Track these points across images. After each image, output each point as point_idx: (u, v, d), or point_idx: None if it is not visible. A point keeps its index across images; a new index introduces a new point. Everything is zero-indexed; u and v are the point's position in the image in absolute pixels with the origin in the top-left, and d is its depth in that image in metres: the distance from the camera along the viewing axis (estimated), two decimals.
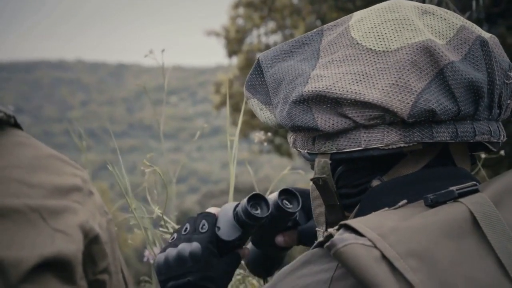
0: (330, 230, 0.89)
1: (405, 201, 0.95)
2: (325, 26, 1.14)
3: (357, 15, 1.11)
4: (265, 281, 1.46)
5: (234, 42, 14.54)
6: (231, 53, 14.79)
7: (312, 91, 1.01)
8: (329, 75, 1.02)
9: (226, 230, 1.28)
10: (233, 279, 1.93)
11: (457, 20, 1.07)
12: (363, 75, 1.00)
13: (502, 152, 2.05)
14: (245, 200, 1.28)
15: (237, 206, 1.30)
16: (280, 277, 0.95)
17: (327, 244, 0.86)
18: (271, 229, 1.34)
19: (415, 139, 0.98)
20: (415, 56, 0.98)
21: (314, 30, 1.15)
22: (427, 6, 1.09)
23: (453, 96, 0.98)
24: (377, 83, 0.98)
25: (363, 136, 0.99)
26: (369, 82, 0.99)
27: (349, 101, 0.99)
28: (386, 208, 0.94)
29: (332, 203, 1.08)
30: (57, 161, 0.91)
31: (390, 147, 0.99)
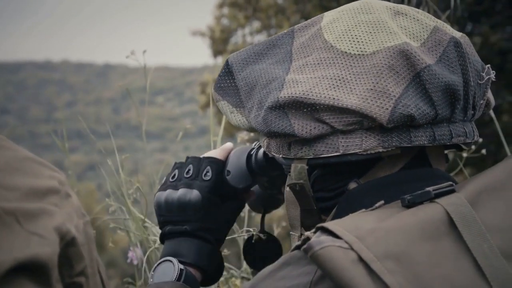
0: (307, 233, 0.87)
1: (382, 202, 0.94)
2: (295, 27, 1.12)
3: (329, 16, 1.09)
4: (263, 218, 1.41)
5: (219, 42, 14.49)
6: (216, 53, 14.74)
7: (289, 96, 0.99)
8: (305, 80, 1.01)
9: (236, 176, 1.24)
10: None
11: (430, 21, 1.06)
12: (339, 80, 0.99)
13: (483, 151, 2.07)
14: (261, 151, 1.24)
15: (251, 151, 1.26)
16: (260, 278, 0.94)
17: (304, 247, 0.85)
18: (281, 178, 1.27)
19: (394, 144, 0.98)
20: (392, 60, 0.97)
21: (285, 31, 1.12)
22: (399, 7, 1.08)
23: (431, 100, 0.97)
24: (354, 88, 0.97)
25: (341, 142, 0.98)
26: (346, 87, 0.98)
27: (326, 106, 0.97)
28: (363, 210, 0.94)
29: (309, 208, 1.07)
30: (33, 163, 0.90)
31: (368, 152, 0.98)
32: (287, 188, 1.07)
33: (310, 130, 0.99)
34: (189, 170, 1.26)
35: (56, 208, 0.86)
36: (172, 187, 1.26)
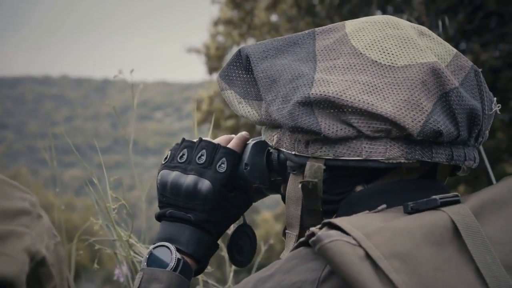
0: (313, 228, 0.88)
1: (384, 205, 0.96)
2: (316, 29, 1.13)
3: (352, 24, 1.09)
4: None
5: (214, 59, 14.44)
6: (211, 70, 14.66)
7: (320, 94, 0.99)
8: (336, 81, 1.01)
9: (254, 172, 1.20)
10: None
11: (451, 47, 1.08)
12: (372, 86, 0.99)
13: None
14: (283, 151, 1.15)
15: (270, 149, 1.19)
16: (266, 272, 0.94)
17: (313, 239, 0.86)
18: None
19: (416, 156, 0.99)
20: (425, 76, 0.99)
21: (305, 31, 1.13)
22: (421, 28, 1.10)
23: (455, 120, 1.00)
24: (388, 97, 0.98)
25: (364, 147, 0.98)
26: (380, 94, 0.98)
27: (357, 110, 0.98)
28: (367, 211, 0.95)
29: (314, 208, 1.06)
30: (5, 185, 0.92)
31: (391, 161, 0.98)
32: (299, 185, 1.06)
33: (337, 130, 0.99)
34: (201, 155, 1.21)
35: (26, 229, 0.88)
36: (181, 169, 1.21)
